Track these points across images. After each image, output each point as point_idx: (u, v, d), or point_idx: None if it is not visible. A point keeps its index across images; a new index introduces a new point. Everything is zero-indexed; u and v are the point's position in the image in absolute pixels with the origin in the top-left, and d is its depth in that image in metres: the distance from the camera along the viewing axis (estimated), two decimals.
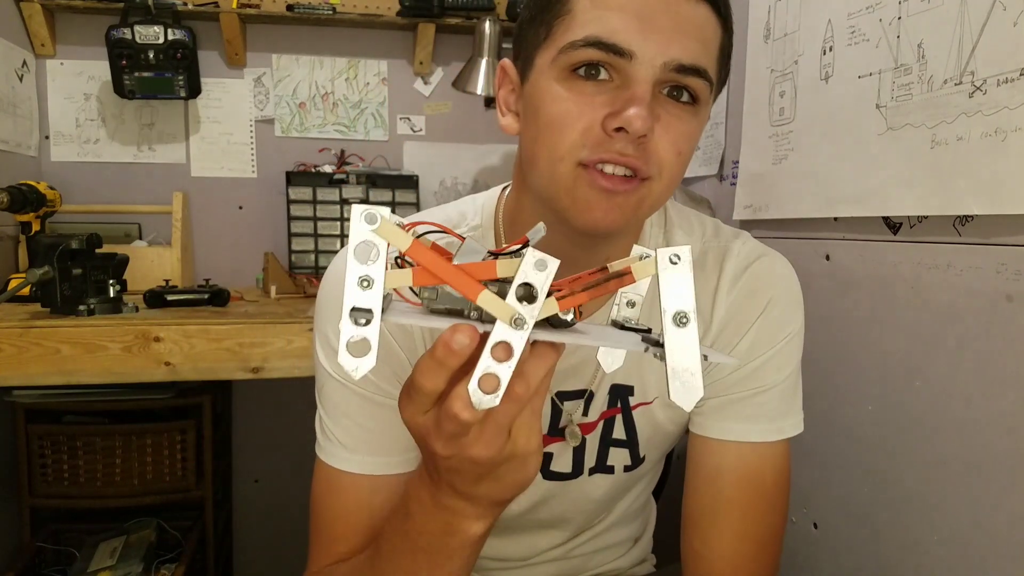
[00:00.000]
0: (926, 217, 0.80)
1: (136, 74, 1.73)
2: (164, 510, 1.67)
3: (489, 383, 0.36)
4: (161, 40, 1.71)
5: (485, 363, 0.35)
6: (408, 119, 2.02)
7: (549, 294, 0.35)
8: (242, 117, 1.95)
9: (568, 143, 0.53)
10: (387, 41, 1.99)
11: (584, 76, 0.53)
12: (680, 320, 0.35)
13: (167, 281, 1.51)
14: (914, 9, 0.80)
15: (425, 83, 2.01)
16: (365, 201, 1.93)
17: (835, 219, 0.95)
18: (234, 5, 1.80)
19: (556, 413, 0.68)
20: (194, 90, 1.81)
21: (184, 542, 1.64)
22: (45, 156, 1.84)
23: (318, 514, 0.65)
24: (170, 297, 1.38)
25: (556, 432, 0.68)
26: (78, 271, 1.22)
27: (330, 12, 1.83)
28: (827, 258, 0.97)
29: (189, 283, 1.74)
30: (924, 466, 0.80)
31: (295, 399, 1.86)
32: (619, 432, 0.69)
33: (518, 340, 0.35)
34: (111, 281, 1.28)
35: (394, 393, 0.61)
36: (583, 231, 0.56)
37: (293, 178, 1.89)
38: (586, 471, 0.70)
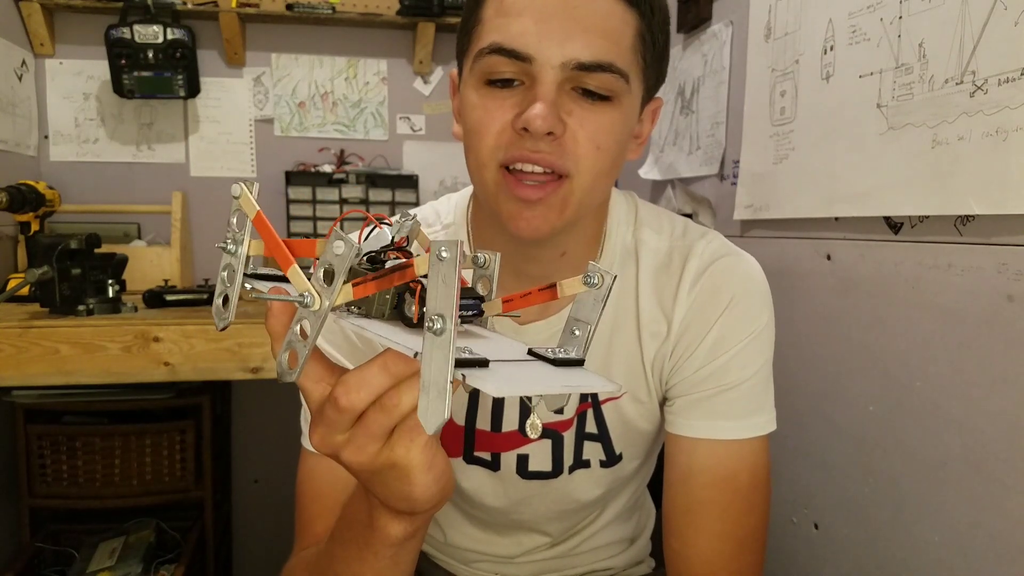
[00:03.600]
0: (927, 217, 0.80)
1: (135, 73, 1.73)
2: (163, 510, 1.67)
3: (292, 358, 0.37)
4: (160, 39, 1.71)
5: (289, 338, 0.36)
6: (408, 118, 2.02)
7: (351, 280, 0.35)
8: (241, 117, 1.95)
9: (488, 147, 0.56)
10: (387, 40, 1.98)
11: (500, 83, 0.55)
12: (434, 325, 0.30)
13: (166, 281, 1.51)
14: (915, 9, 0.80)
15: (425, 82, 2.01)
16: (365, 201, 1.93)
17: (836, 219, 0.95)
18: (233, 4, 1.80)
19: (525, 411, 0.68)
20: (193, 90, 1.81)
21: (183, 542, 1.64)
22: (44, 156, 1.84)
23: (300, 499, 0.67)
24: (169, 297, 1.38)
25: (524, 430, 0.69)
26: (77, 271, 1.22)
27: (329, 11, 1.83)
28: (828, 258, 0.97)
29: (188, 283, 1.74)
30: (925, 466, 0.80)
31: (295, 399, 1.85)
32: (591, 427, 0.69)
33: (311, 319, 0.35)
34: (110, 281, 1.28)
35: None
36: (515, 239, 0.58)
37: (292, 178, 1.89)
38: (566, 469, 0.70)
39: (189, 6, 1.78)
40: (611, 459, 0.71)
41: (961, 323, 0.75)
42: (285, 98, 1.96)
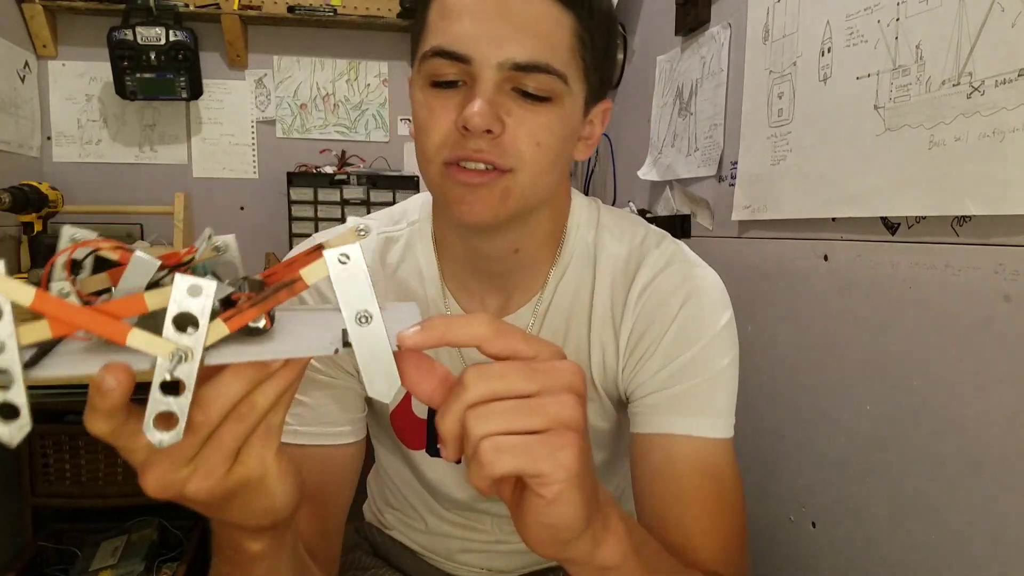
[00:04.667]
0: (924, 217, 0.80)
1: (138, 75, 1.74)
2: (165, 509, 1.68)
3: (164, 422, 0.32)
4: (163, 41, 1.72)
5: (154, 401, 0.32)
6: (409, 120, 2.03)
7: (216, 315, 0.31)
8: (243, 118, 1.95)
9: (433, 146, 0.57)
10: (388, 42, 1.99)
11: (444, 84, 0.57)
12: (362, 319, 0.33)
13: None
14: (912, 10, 0.80)
15: None
16: (366, 202, 1.94)
17: (833, 219, 0.95)
18: (235, 6, 1.81)
19: None
20: (195, 91, 1.81)
21: (185, 541, 1.64)
22: (47, 157, 1.85)
23: None
24: None
25: None
26: None
27: (331, 13, 1.84)
28: (825, 258, 0.97)
29: None
30: (922, 465, 0.80)
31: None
32: None
33: (186, 373, 0.31)
34: None
35: (331, 372, 0.67)
36: (459, 226, 0.61)
37: (294, 179, 1.90)
38: None
39: (191, 8, 1.79)
40: None
41: (958, 323, 0.75)
42: (287, 100, 1.97)
